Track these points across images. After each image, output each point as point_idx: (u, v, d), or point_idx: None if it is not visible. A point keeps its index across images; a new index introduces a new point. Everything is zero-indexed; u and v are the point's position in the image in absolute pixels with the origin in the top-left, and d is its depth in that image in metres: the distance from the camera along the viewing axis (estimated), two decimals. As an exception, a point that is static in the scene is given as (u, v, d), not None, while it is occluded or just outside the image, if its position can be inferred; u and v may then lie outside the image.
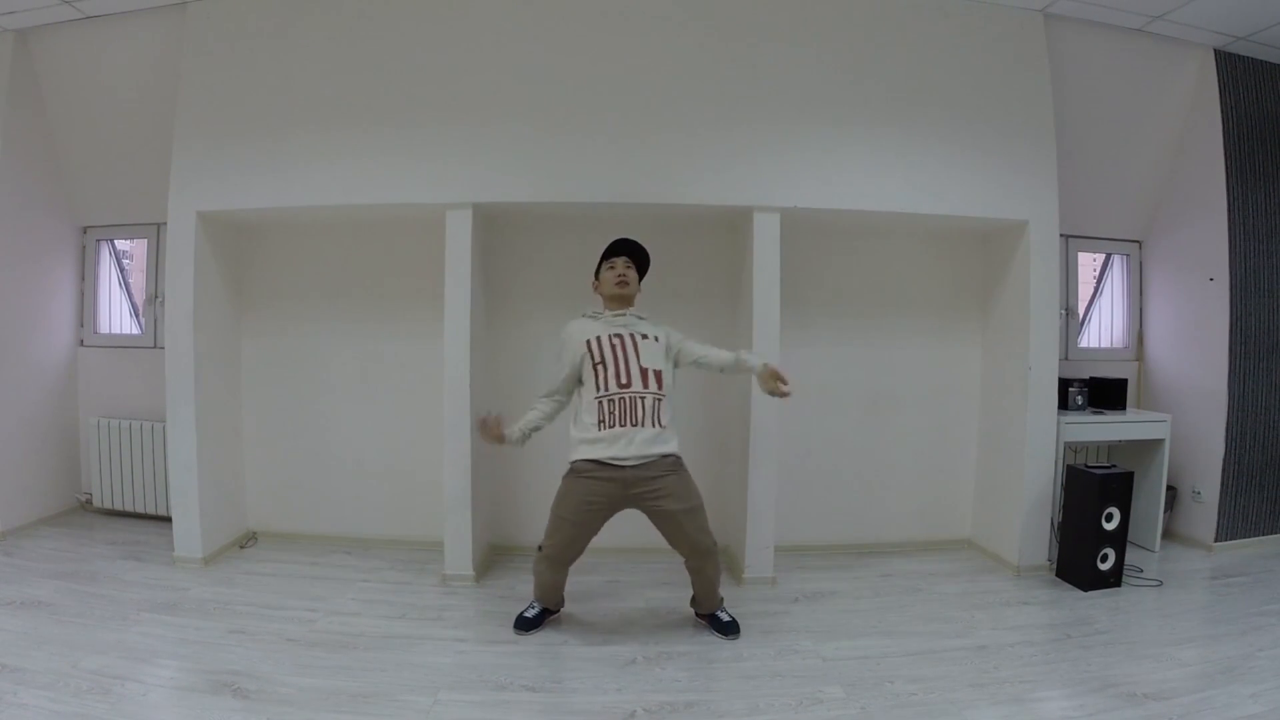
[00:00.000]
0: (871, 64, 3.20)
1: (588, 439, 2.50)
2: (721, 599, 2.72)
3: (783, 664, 2.43)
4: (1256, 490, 3.64)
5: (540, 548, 2.62)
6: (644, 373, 2.51)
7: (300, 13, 3.18)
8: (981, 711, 2.12)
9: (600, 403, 2.49)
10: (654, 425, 2.48)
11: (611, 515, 2.56)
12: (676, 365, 2.66)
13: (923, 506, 3.71)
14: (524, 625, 2.66)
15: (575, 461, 2.53)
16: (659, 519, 2.53)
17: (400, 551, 3.47)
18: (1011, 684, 2.29)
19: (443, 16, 3.12)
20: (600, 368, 2.51)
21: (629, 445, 2.45)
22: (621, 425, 2.46)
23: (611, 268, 2.67)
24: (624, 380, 2.49)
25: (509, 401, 3.51)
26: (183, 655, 2.39)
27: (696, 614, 2.76)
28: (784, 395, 2.54)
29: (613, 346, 2.54)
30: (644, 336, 2.58)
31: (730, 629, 2.65)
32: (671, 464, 2.52)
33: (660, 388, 2.53)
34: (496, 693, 2.22)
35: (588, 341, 2.55)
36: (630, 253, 2.71)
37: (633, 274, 2.68)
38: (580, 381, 2.58)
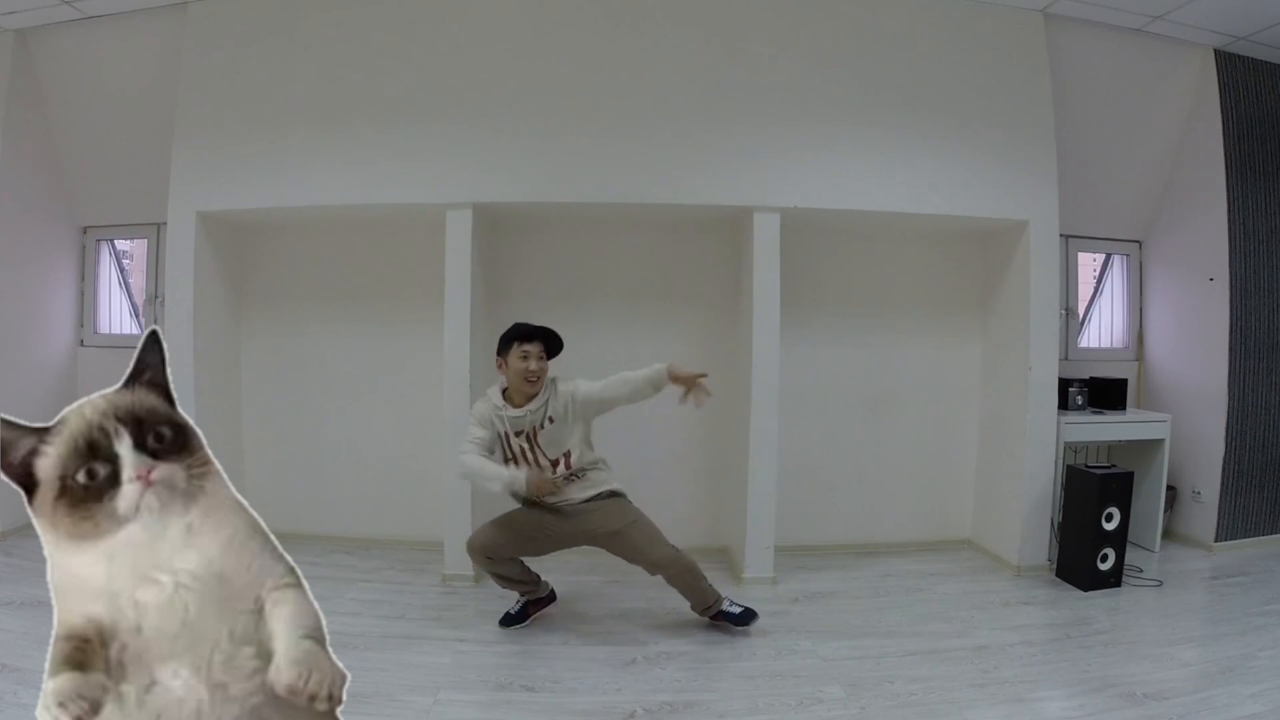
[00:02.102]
0: (871, 64, 3.20)
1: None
2: (717, 595, 2.68)
3: (783, 664, 2.43)
4: (1256, 490, 3.64)
5: (469, 543, 2.60)
6: (553, 463, 2.54)
7: (300, 13, 3.18)
8: (981, 711, 2.12)
9: None
10: (573, 491, 2.56)
11: (560, 547, 2.62)
12: (596, 414, 2.60)
13: (923, 506, 3.71)
14: (506, 621, 2.67)
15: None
16: (608, 542, 2.59)
17: (400, 551, 3.47)
18: (1011, 684, 2.29)
19: (443, 17, 3.12)
20: (512, 463, 2.54)
21: (563, 502, 2.56)
22: (551, 499, 2.54)
23: (525, 357, 2.49)
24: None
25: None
26: (183, 655, 2.39)
27: (709, 619, 2.72)
28: (701, 395, 2.46)
29: (520, 449, 2.54)
30: (541, 427, 2.52)
31: (745, 617, 2.64)
32: (607, 495, 2.60)
33: (569, 464, 2.55)
34: (496, 693, 2.22)
35: (498, 435, 2.54)
36: (544, 339, 2.55)
37: (545, 365, 2.54)
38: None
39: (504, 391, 2.58)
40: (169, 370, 0.98)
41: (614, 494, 2.63)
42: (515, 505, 2.62)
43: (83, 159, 3.71)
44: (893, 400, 3.67)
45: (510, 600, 2.74)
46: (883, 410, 3.66)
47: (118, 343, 3.99)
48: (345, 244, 3.58)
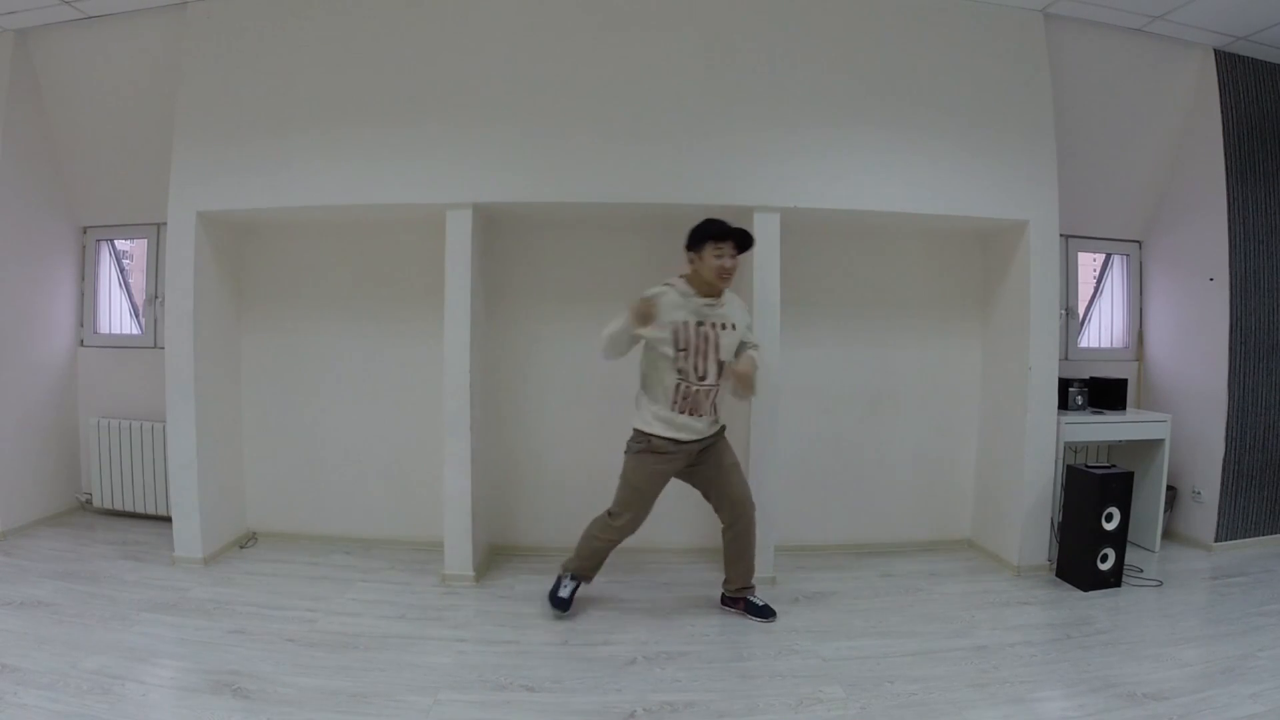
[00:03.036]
0: (872, 64, 3.20)
1: (662, 417, 2.61)
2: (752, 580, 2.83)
3: (782, 664, 2.43)
4: (1256, 490, 3.64)
5: (610, 513, 2.70)
6: (719, 366, 2.62)
7: (300, 13, 3.17)
8: (981, 711, 2.12)
9: (679, 387, 2.59)
10: (712, 413, 2.68)
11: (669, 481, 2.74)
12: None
13: (923, 506, 3.71)
14: (564, 605, 2.75)
15: (652, 437, 2.62)
16: (713, 473, 2.71)
17: (400, 551, 3.47)
18: (1011, 684, 2.29)
19: (444, 17, 3.12)
20: (684, 354, 2.58)
21: (693, 432, 2.63)
22: (689, 414, 2.61)
23: (720, 254, 2.56)
24: (701, 373, 2.59)
25: (509, 401, 3.52)
26: (183, 655, 2.40)
27: (726, 600, 2.83)
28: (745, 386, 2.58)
29: (700, 337, 2.58)
30: (723, 327, 2.62)
31: (766, 611, 2.77)
32: (722, 430, 2.76)
33: (721, 377, 2.64)
34: (496, 693, 2.22)
35: (674, 324, 2.57)
36: (742, 243, 2.62)
37: (737, 263, 2.63)
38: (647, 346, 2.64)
39: (688, 281, 2.64)
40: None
41: (724, 429, 2.77)
42: (645, 464, 2.65)
43: (83, 159, 3.71)
44: (893, 400, 3.67)
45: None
46: (883, 410, 3.66)
47: (118, 343, 3.99)
48: (345, 244, 3.58)
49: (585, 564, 2.79)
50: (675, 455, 2.63)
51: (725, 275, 2.58)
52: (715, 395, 2.64)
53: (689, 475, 2.74)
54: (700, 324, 2.58)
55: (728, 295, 2.67)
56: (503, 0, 3.13)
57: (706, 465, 2.70)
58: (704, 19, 3.14)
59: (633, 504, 2.66)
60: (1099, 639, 2.62)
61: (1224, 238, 3.51)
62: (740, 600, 2.80)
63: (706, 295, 2.61)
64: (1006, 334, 3.46)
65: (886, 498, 3.68)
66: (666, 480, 2.69)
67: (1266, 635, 2.63)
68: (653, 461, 2.63)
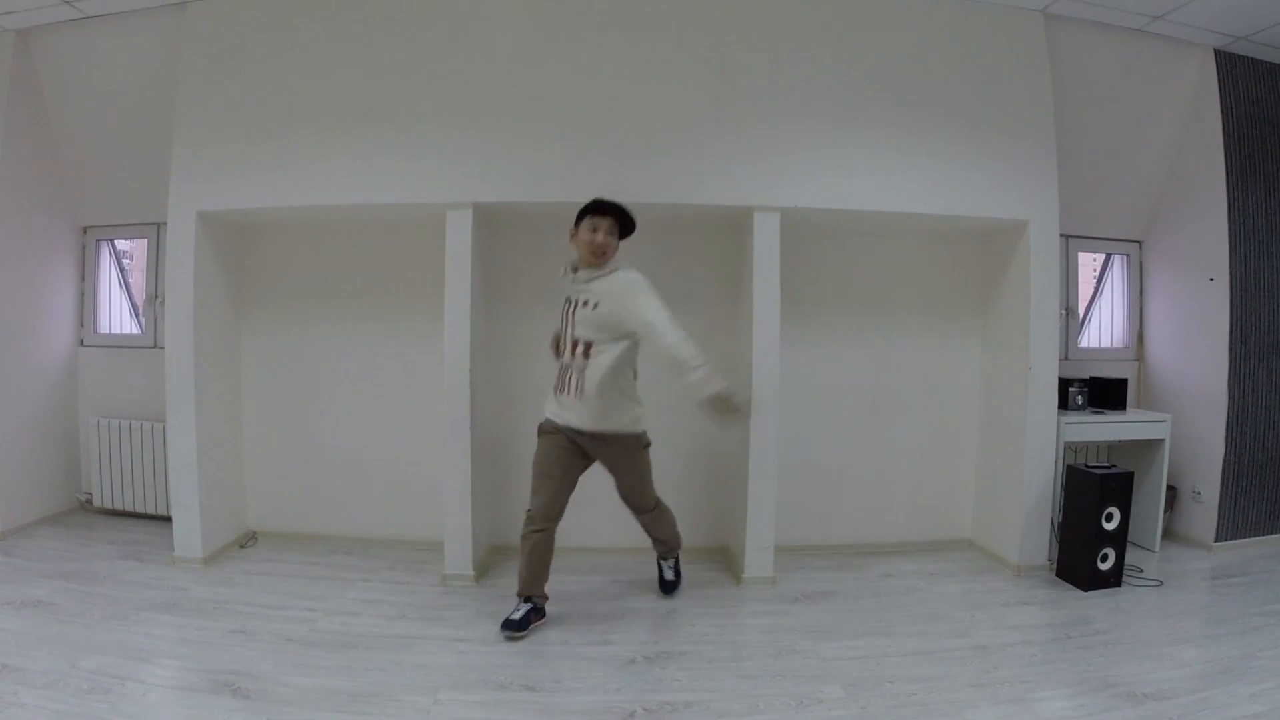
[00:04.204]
0: (872, 64, 3.20)
1: (551, 397, 2.73)
2: (674, 553, 3.01)
3: (782, 664, 2.43)
4: (1256, 490, 3.64)
5: (528, 512, 2.65)
6: (574, 343, 2.59)
7: (300, 13, 3.17)
8: (981, 711, 2.12)
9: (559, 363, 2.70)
10: (574, 394, 2.58)
11: (580, 463, 2.68)
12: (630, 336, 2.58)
13: (923, 506, 3.71)
14: (512, 626, 2.58)
15: (541, 421, 2.72)
16: (613, 474, 2.76)
17: (400, 551, 3.47)
18: (1011, 684, 2.29)
19: (444, 17, 3.12)
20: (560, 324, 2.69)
21: (565, 410, 2.63)
22: (558, 391, 2.66)
23: (594, 229, 2.56)
24: (564, 347, 2.63)
25: (509, 401, 3.52)
26: (183, 655, 2.39)
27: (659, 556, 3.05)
28: (732, 417, 2.48)
29: (567, 313, 2.63)
30: (583, 304, 2.57)
31: (668, 588, 3.00)
32: (622, 437, 2.65)
33: (586, 357, 2.56)
34: (496, 693, 2.22)
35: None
36: (616, 216, 2.60)
37: (613, 240, 2.60)
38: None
39: (570, 261, 2.69)
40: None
41: (630, 439, 2.67)
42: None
43: (83, 159, 3.71)
44: (893, 400, 3.67)
45: (508, 603, 2.73)
46: (883, 410, 3.66)
47: (118, 343, 3.99)
48: (345, 244, 3.58)
49: (529, 573, 2.62)
50: (554, 432, 2.64)
51: (594, 248, 2.56)
52: (578, 377, 2.55)
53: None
54: (568, 300, 2.62)
55: (615, 277, 2.55)
56: (503, 1, 3.13)
57: (606, 466, 2.73)
58: (705, 20, 3.14)
59: (541, 487, 2.62)
60: (1099, 639, 2.62)
61: (1224, 238, 3.51)
62: (661, 569, 3.02)
63: (582, 268, 2.62)
64: (1006, 334, 3.47)
65: (886, 498, 3.68)
66: (564, 455, 2.61)
67: (1266, 635, 2.63)
68: (542, 441, 2.67)
